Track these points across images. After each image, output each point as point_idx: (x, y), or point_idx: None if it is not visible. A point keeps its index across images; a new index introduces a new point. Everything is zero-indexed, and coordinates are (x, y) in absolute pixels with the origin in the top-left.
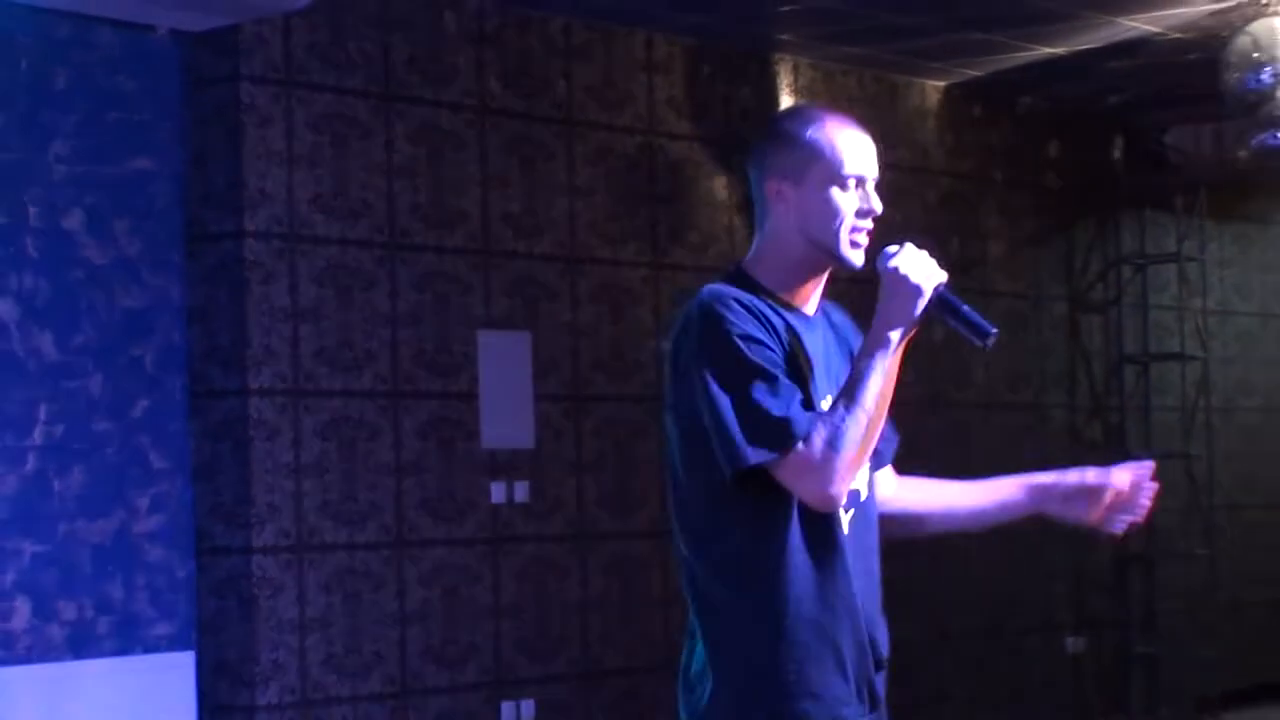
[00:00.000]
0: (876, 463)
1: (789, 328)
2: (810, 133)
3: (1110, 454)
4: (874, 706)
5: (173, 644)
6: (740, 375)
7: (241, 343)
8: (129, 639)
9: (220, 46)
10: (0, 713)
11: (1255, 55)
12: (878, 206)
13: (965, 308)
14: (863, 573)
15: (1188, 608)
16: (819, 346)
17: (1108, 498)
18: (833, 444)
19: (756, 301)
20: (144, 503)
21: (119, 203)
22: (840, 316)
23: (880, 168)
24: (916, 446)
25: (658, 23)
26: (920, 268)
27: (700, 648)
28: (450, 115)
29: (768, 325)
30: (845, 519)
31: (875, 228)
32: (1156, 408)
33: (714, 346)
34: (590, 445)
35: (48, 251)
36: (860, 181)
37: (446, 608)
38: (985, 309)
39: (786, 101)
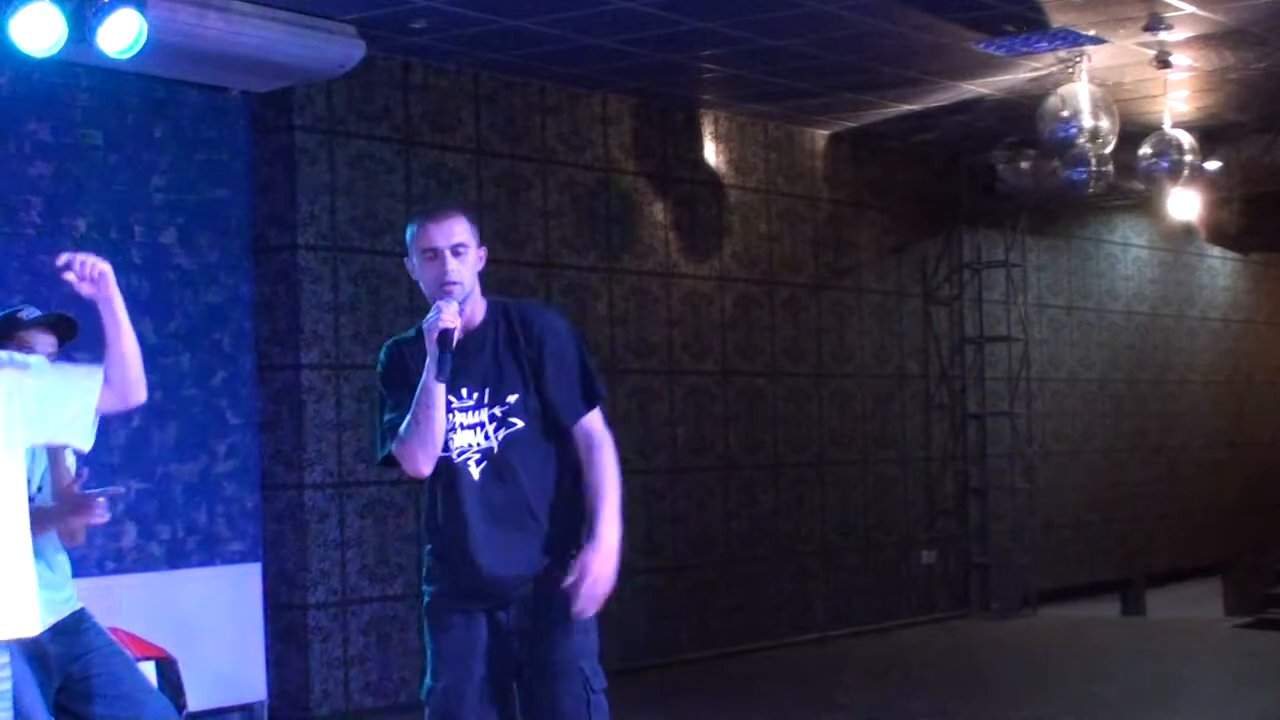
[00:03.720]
0: (560, 422)
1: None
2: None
3: (955, 412)
4: (485, 603)
5: (244, 557)
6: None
7: (295, 329)
8: (211, 554)
9: (279, 103)
10: (113, 610)
11: (1063, 112)
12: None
13: (442, 351)
14: (503, 499)
15: (1012, 528)
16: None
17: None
18: (401, 442)
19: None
20: (222, 450)
21: (203, 222)
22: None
23: (773, 195)
24: (811, 408)
25: (611, 86)
26: (431, 321)
27: None
28: (454, 156)
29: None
30: (475, 470)
31: (764, 242)
32: (989, 377)
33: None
34: None
35: (148, 259)
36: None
37: None
38: (859, 304)
39: (710, 145)
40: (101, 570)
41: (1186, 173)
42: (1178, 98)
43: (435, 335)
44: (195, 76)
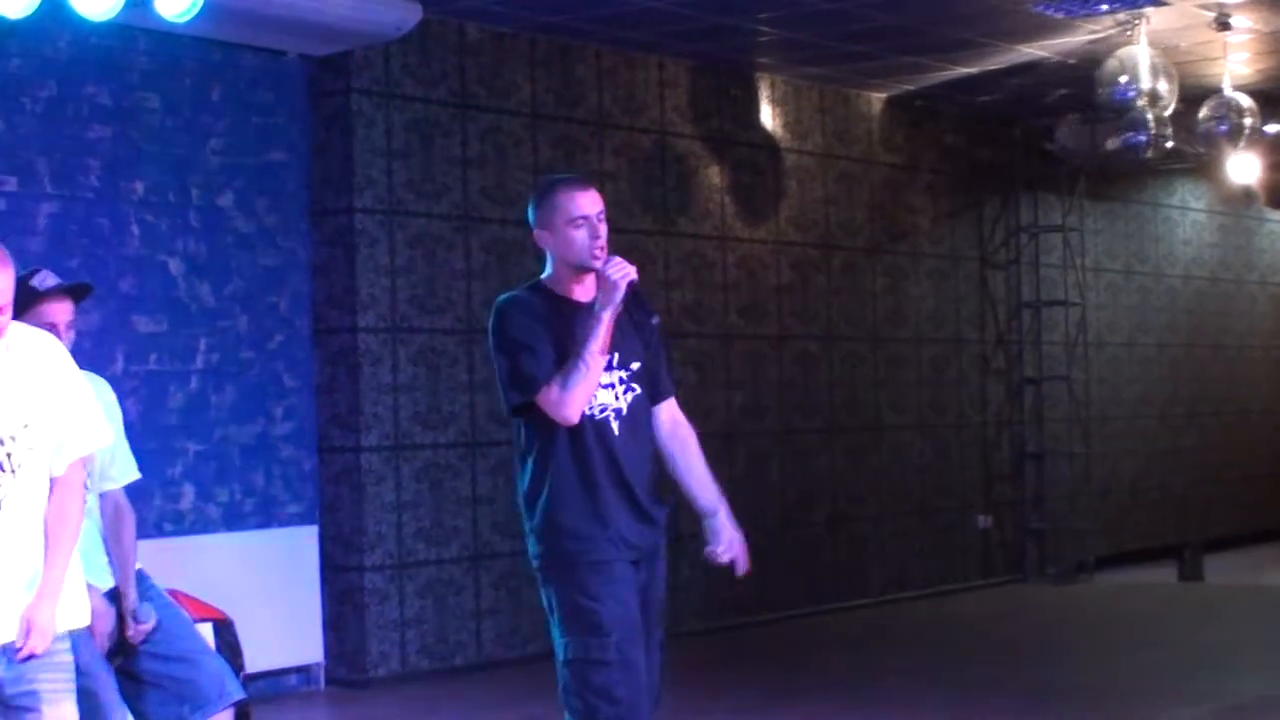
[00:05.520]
0: (652, 398)
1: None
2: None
3: (1011, 377)
4: (636, 554)
5: (302, 520)
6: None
7: (352, 291)
8: (268, 516)
9: (336, 67)
10: (171, 571)
11: (1121, 75)
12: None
13: (640, 299)
14: (634, 458)
15: (1069, 494)
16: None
17: (722, 558)
18: (563, 386)
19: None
20: (279, 412)
21: (260, 185)
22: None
23: (829, 159)
24: (867, 372)
25: (668, 50)
26: (617, 272)
27: (527, 506)
28: (510, 119)
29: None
30: (615, 426)
31: (820, 206)
32: (1046, 342)
33: (498, 334)
34: None
35: (206, 222)
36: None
37: (508, 493)
38: (915, 269)
39: (766, 109)
40: (160, 532)
41: (1246, 136)
42: (1238, 60)
43: (625, 287)
44: (252, 40)
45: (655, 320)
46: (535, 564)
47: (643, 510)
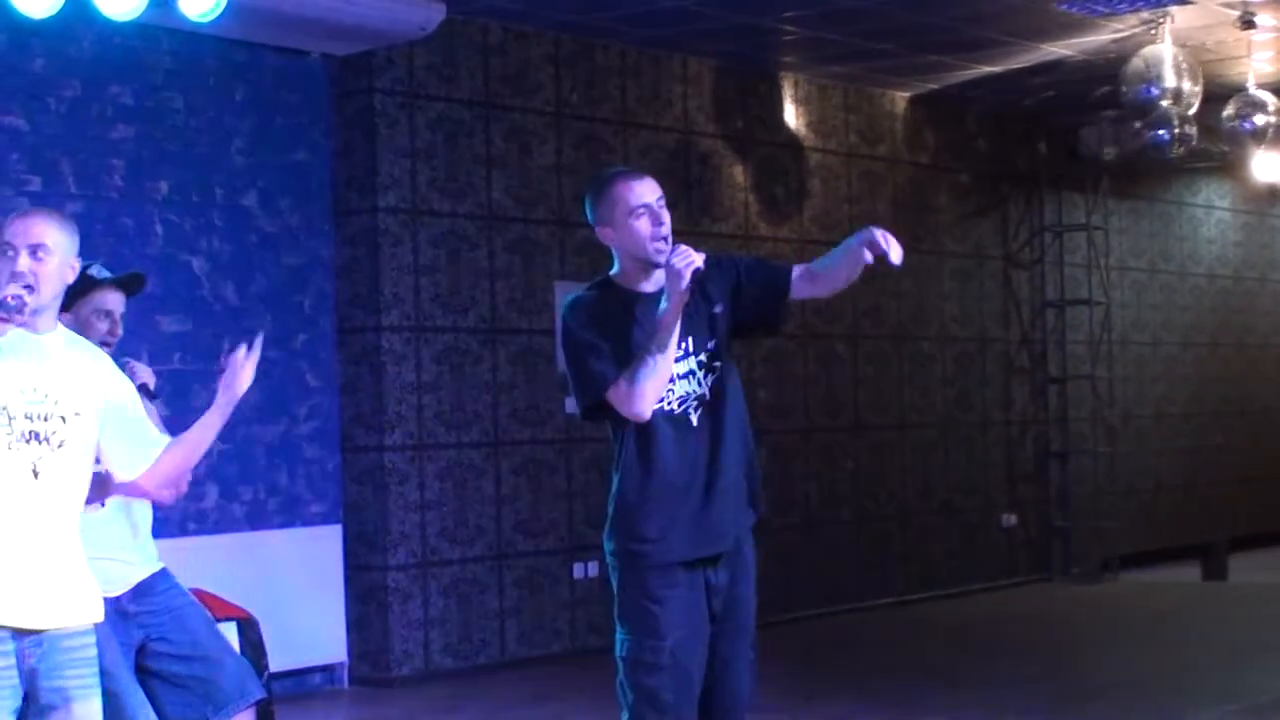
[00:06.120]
0: (790, 272)
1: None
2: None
3: (1036, 376)
4: (708, 555)
5: (325, 519)
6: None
7: (376, 291)
8: (292, 515)
9: (359, 67)
10: (194, 570)
11: (1146, 73)
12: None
13: (707, 285)
14: (719, 447)
15: (1094, 492)
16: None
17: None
18: (631, 381)
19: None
20: (303, 412)
21: (283, 185)
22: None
23: (853, 158)
24: (891, 371)
25: (691, 48)
26: (681, 261)
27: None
28: (534, 118)
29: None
30: (694, 417)
31: (844, 205)
32: (1070, 341)
33: (565, 335)
34: None
35: (230, 222)
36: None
37: (531, 492)
38: (939, 267)
39: (789, 108)
40: (183, 531)
41: (1270, 134)
42: (1262, 58)
43: (689, 276)
44: (276, 40)
45: (719, 309)
46: (608, 560)
47: (727, 502)
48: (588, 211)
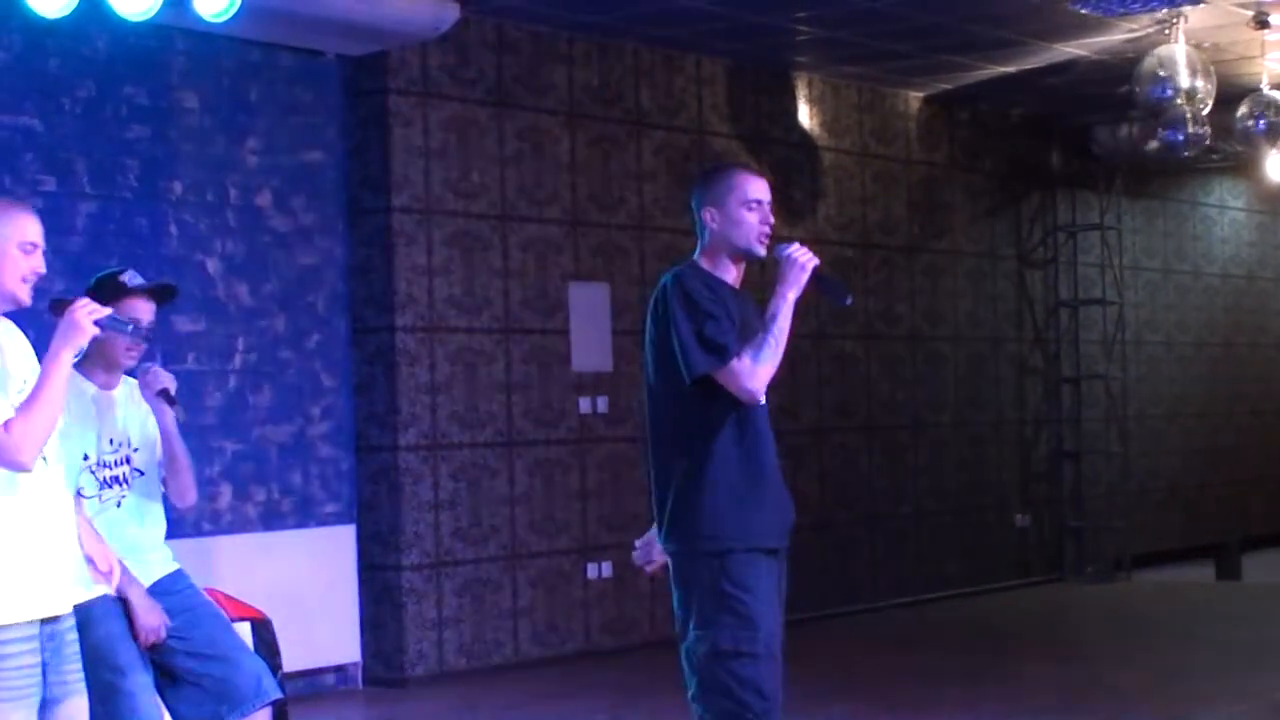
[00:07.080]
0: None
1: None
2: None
3: (1049, 376)
4: (786, 536)
5: (339, 519)
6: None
7: (389, 291)
8: (305, 515)
9: (373, 67)
10: (209, 570)
11: (1160, 73)
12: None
13: (830, 281)
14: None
15: (1107, 492)
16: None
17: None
18: (754, 358)
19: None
20: (317, 412)
21: (297, 185)
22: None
23: (867, 158)
24: (905, 370)
25: (705, 48)
26: (803, 255)
27: (671, 496)
28: (548, 119)
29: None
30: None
31: (858, 205)
32: (1084, 340)
33: (683, 302)
34: None
35: (244, 222)
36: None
37: (545, 492)
38: (953, 267)
39: (803, 108)
40: (198, 531)
41: None
42: (1275, 58)
43: (812, 270)
44: (290, 40)
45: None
46: (677, 548)
47: (787, 496)
48: (697, 190)
